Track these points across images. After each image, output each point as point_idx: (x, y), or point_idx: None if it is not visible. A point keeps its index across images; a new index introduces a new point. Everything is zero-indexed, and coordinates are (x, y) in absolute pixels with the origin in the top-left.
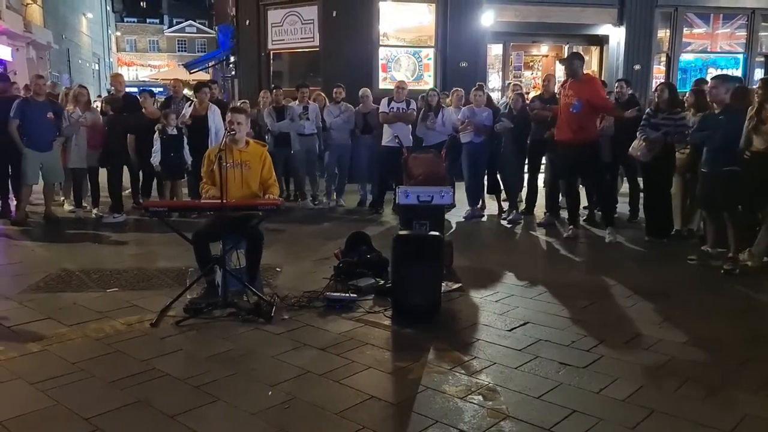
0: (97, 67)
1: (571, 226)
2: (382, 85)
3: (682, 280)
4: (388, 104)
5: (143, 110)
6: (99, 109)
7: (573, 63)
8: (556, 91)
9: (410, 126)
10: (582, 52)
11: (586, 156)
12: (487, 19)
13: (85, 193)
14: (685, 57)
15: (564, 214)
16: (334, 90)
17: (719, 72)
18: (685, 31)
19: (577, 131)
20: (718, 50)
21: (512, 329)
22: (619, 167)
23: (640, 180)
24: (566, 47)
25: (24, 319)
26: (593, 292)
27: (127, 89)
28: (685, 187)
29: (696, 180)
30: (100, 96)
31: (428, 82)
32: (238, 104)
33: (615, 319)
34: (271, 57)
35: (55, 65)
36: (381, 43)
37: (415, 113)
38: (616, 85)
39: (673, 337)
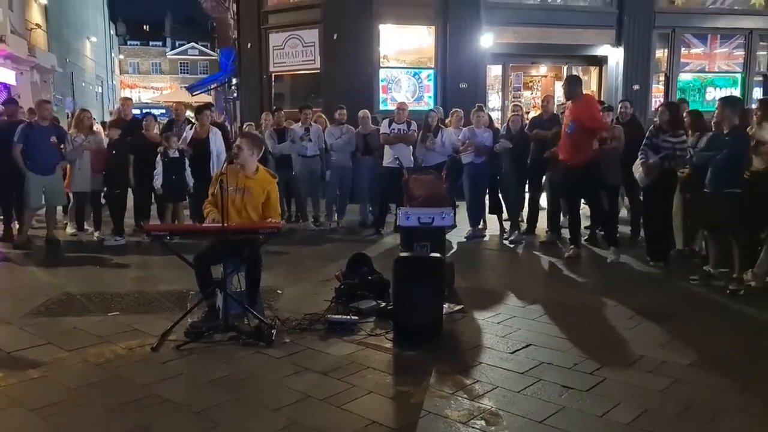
0: (100, 90)
1: (572, 246)
2: (382, 106)
3: (684, 300)
4: (389, 125)
5: (143, 132)
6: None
7: (570, 85)
8: (556, 111)
9: (411, 147)
10: (581, 73)
11: (583, 177)
12: (487, 40)
13: (87, 216)
14: (684, 77)
15: (566, 233)
16: (337, 111)
17: (718, 91)
18: (683, 51)
19: (573, 152)
20: (717, 70)
21: (514, 351)
22: (620, 187)
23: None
24: (565, 68)
25: (24, 344)
26: (595, 313)
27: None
28: (686, 206)
29: (697, 199)
30: (104, 122)
31: (428, 103)
32: (244, 127)
33: (618, 340)
34: (273, 79)
35: (59, 88)
36: (381, 64)
37: (415, 134)
38: (620, 105)
39: (676, 359)
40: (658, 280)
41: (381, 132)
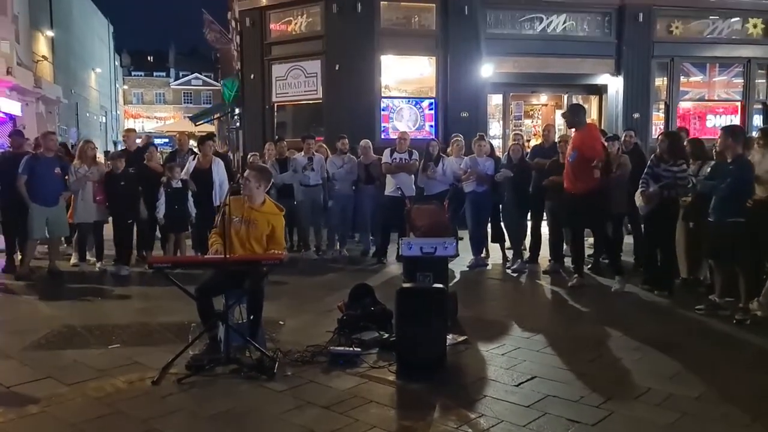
0: (104, 120)
1: (576, 275)
2: (384, 135)
3: (690, 330)
4: (391, 155)
5: (146, 163)
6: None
7: (572, 114)
8: (557, 140)
9: (413, 176)
10: (581, 101)
11: (586, 205)
12: (487, 70)
13: (90, 246)
14: (684, 105)
15: (569, 261)
16: (339, 141)
17: (718, 119)
18: (683, 79)
19: (574, 181)
20: (716, 98)
21: (519, 384)
22: (625, 216)
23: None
24: (565, 96)
25: (24, 378)
26: (600, 344)
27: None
28: (689, 234)
29: (700, 228)
30: (106, 152)
31: (430, 132)
32: (249, 158)
33: (624, 372)
34: (275, 109)
35: (64, 119)
36: (383, 94)
37: (417, 163)
38: (625, 134)
39: (684, 392)
40: (664, 310)
41: (383, 161)
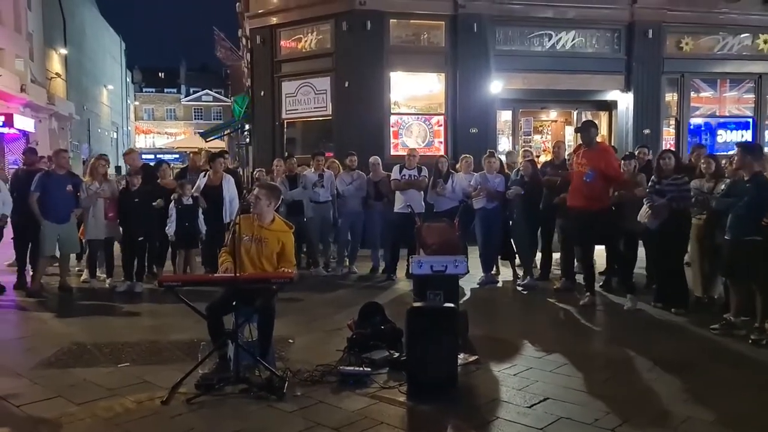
0: (115, 136)
1: (587, 293)
2: (393, 152)
3: (705, 350)
4: (400, 171)
5: (159, 181)
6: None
7: (589, 132)
8: (566, 156)
9: (422, 192)
10: (591, 117)
11: (599, 222)
12: (496, 87)
13: (100, 263)
14: (695, 120)
15: (580, 279)
16: (348, 158)
17: (729, 134)
18: (693, 95)
19: (590, 199)
20: (727, 114)
21: (532, 405)
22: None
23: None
24: (575, 113)
25: (34, 397)
26: (614, 364)
27: (144, 156)
28: (703, 253)
29: (715, 246)
30: (118, 167)
31: (439, 149)
32: (255, 173)
33: (639, 394)
34: (285, 125)
35: (76, 135)
36: (392, 110)
37: (426, 180)
38: (638, 151)
39: (700, 415)
40: (677, 329)
41: (392, 178)
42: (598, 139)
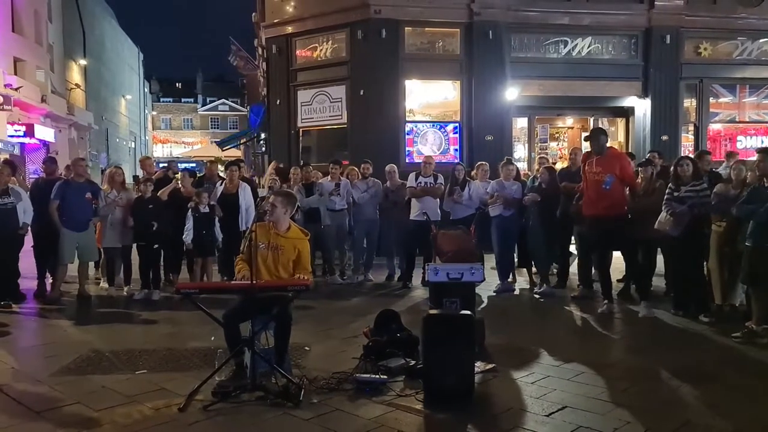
0: (133, 145)
1: (605, 301)
2: (408, 160)
3: (727, 359)
4: (416, 179)
5: (181, 189)
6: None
7: (599, 139)
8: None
9: (438, 200)
10: (608, 124)
11: (618, 229)
12: (512, 94)
13: (117, 271)
14: (714, 126)
15: (597, 286)
16: (362, 166)
17: (749, 141)
18: (712, 101)
19: (609, 207)
20: (747, 120)
21: (550, 414)
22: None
23: None
24: (591, 119)
25: (54, 403)
26: (634, 373)
27: (162, 165)
28: (722, 260)
29: (735, 254)
30: (136, 176)
31: (454, 156)
32: (269, 171)
33: (659, 403)
34: (300, 134)
35: (95, 144)
36: (407, 118)
37: (442, 187)
38: (649, 155)
39: (723, 426)
40: (698, 338)
41: (408, 186)
42: (615, 145)
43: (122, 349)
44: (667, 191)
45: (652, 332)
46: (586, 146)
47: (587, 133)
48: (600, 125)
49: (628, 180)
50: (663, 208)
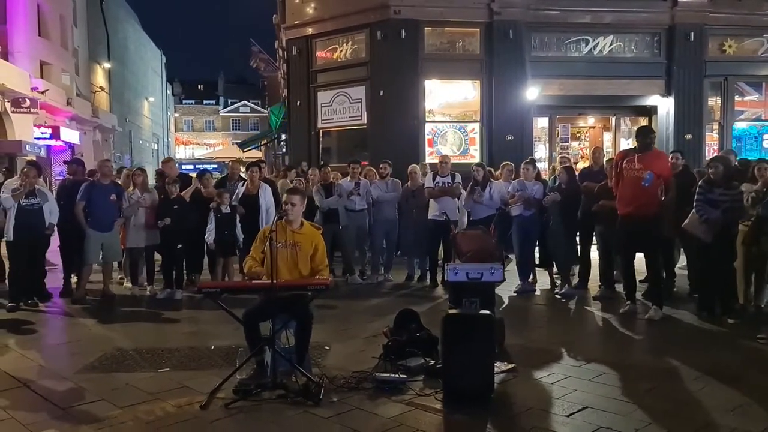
0: (156, 147)
1: (628, 302)
2: (428, 160)
3: (752, 360)
4: (434, 179)
5: (201, 189)
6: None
7: (649, 136)
8: (603, 163)
9: (456, 200)
10: (629, 123)
11: (653, 227)
12: (532, 93)
13: (140, 270)
14: (739, 125)
15: (620, 287)
16: (381, 166)
17: None
18: (737, 99)
19: (646, 204)
20: None
21: (571, 415)
22: (675, 239)
23: None
24: (613, 119)
25: (79, 400)
26: (656, 374)
27: (184, 167)
28: (748, 260)
29: (761, 253)
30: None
31: (474, 156)
32: (290, 172)
33: (682, 404)
34: (320, 135)
35: (118, 146)
36: (427, 119)
37: (460, 186)
38: (671, 156)
39: (746, 427)
40: (722, 339)
41: (426, 186)
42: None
43: (145, 347)
44: (698, 191)
45: (675, 333)
46: (609, 145)
47: (636, 129)
48: (623, 124)
49: (667, 179)
50: (694, 208)
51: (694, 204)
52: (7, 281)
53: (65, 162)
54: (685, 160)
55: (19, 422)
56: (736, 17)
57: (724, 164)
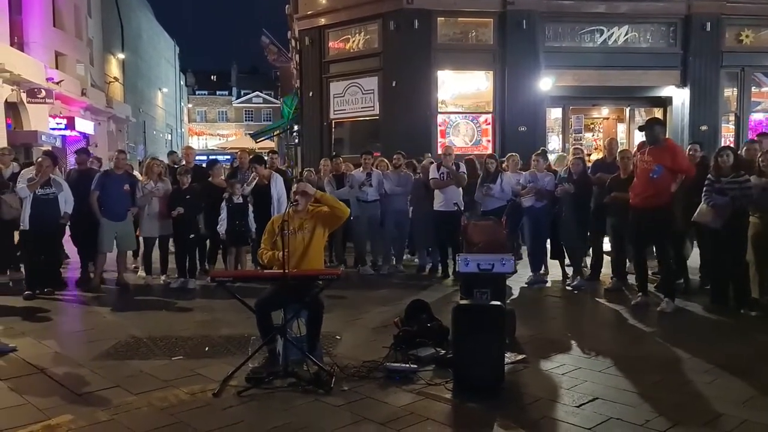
0: (169, 137)
1: (640, 294)
2: (440, 151)
3: (764, 353)
4: (438, 170)
5: (210, 180)
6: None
7: (653, 129)
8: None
9: (461, 189)
10: (644, 114)
11: (661, 219)
12: (546, 84)
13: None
14: (756, 116)
15: (632, 279)
16: (394, 157)
17: None
18: (754, 90)
19: (653, 196)
20: None
21: (581, 405)
22: (687, 232)
23: None
24: (627, 109)
25: (94, 386)
26: (666, 366)
27: (198, 157)
28: (760, 252)
29: None
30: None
31: (487, 147)
32: (304, 173)
33: (692, 396)
34: (333, 125)
35: (132, 137)
36: (439, 109)
37: (465, 175)
38: (689, 148)
39: (759, 419)
40: (734, 331)
41: (431, 177)
42: None
43: (159, 335)
44: (706, 182)
45: (687, 325)
46: (623, 137)
47: (640, 125)
48: (637, 115)
49: (682, 170)
50: (703, 198)
51: (703, 194)
52: (23, 270)
53: (75, 152)
54: (704, 152)
55: (35, 407)
56: (754, 7)
57: (734, 153)
